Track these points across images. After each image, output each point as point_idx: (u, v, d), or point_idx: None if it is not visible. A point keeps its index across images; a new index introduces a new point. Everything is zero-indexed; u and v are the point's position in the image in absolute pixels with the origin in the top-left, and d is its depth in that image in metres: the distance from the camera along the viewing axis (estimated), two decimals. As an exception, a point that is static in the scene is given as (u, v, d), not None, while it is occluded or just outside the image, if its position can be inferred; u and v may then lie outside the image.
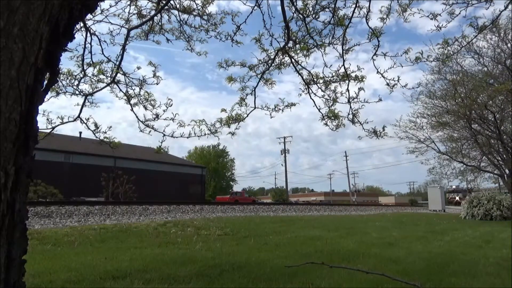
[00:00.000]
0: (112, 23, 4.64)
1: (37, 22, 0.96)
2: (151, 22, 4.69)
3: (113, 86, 4.74)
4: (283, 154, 52.90)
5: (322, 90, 5.03)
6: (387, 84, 4.59)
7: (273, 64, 4.89)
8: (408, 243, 7.86)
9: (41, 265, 4.46)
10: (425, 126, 21.91)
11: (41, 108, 1.15)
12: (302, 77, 5.02)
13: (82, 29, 4.31)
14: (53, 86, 1.83)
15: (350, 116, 4.86)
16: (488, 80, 17.45)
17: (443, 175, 25.41)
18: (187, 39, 4.98)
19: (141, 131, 4.82)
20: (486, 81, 17.18)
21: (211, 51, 5.26)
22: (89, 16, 4.03)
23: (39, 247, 5.94)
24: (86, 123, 4.54)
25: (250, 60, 4.96)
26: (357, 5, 4.30)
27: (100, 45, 4.71)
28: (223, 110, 4.59)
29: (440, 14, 3.98)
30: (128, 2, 4.64)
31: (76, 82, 4.65)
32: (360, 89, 4.73)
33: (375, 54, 4.53)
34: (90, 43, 4.52)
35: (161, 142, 4.70)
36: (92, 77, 4.69)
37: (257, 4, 4.29)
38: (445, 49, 4.47)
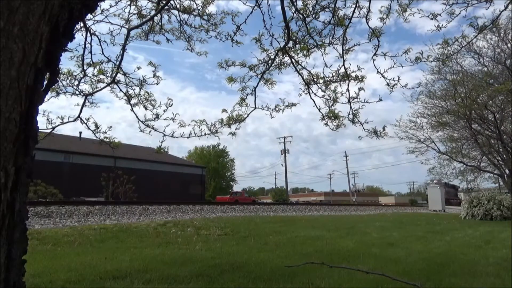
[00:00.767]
0: (112, 23, 4.64)
1: (37, 22, 0.96)
2: (151, 22, 4.69)
3: (113, 86, 4.74)
4: (283, 154, 52.91)
5: (322, 90, 5.03)
6: (387, 84, 4.59)
7: (273, 64, 4.89)
8: (408, 243, 7.86)
9: (41, 265, 4.46)
10: (425, 126, 21.94)
11: (41, 108, 1.15)
12: (302, 77, 5.02)
13: (82, 29, 4.31)
14: (53, 86, 1.83)
15: (350, 116, 4.86)
16: (488, 80, 17.44)
17: (443, 175, 25.42)
18: (187, 39, 4.98)
19: (141, 131, 4.82)
20: (486, 81, 17.17)
21: (210, 51, 5.26)
22: (89, 16, 4.03)
23: (39, 247, 5.94)
24: (86, 123, 4.54)
25: (250, 60, 4.97)
26: (357, 5, 4.30)
27: (100, 45, 4.71)
28: (224, 110, 4.60)
29: (440, 14, 3.98)
30: (128, 2, 4.64)
31: (76, 82, 4.65)
32: (360, 89, 4.73)
33: (375, 54, 4.53)
34: (90, 43, 4.52)
35: (161, 142, 4.70)
36: (92, 77, 4.69)
37: (257, 4, 4.29)
38: (445, 49, 4.48)
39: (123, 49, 4.55)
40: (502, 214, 17.11)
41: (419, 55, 4.27)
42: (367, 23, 4.38)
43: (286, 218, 13.53)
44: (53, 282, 3.73)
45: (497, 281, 4.41)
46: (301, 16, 4.44)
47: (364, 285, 3.91)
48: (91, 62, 4.61)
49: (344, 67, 4.74)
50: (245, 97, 4.75)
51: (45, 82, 1.09)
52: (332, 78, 4.90)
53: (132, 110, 4.84)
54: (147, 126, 4.72)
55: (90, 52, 4.56)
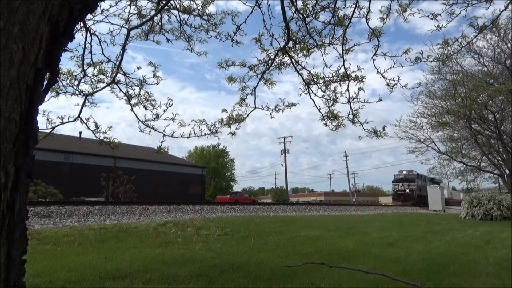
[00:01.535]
0: (112, 23, 4.64)
1: (37, 22, 0.96)
2: (151, 22, 4.69)
3: (113, 86, 4.74)
4: (283, 154, 52.90)
5: (322, 90, 5.03)
6: (387, 84, 4.59)
7: (273, 64, 4.89)
8: (408, 243, 7.86)
9: (41, 265, 4.46)
10: (425, 126, 21.95)
11: (41, 108, 1.15)
12: (302, 77, 5.02)
13: (82, 29, 4.31)
14: (53, 86, 1.83)
15: (350, 116, 4.86)
16: (488, 80, 17.45)
17: (443, 175, 25.45)
18: (187, 39, 4.98)
19: (141, 131, 4.82)
20: (486, 81, 17.17)
21: (210, 51, 5.26)
22: (89, 16, 4.03)
23: (39, 247, 5.94)
24: (86, 123, 4.54)
25: (250, 60, 4.96)
26: (357, 5, 4.30)
27: (100, 45, 4.71)
28: (224, 110, 4.59)
29: (440, 14, 3.98)
30: (128, 2, 4.63)
31: (76, 82, 4.64)
32: (360, 89, 4.73)
33: (375, 54, 4.53)
34: (90, 43, 4.52)
35: (161, 142, 4.70)
36: (92, 77, 4.69)
37: (257, 4, 4.29)
38: (445, 49, 4.48)
39: (123, 49, 4.55)
40: (502, 214, 17.12)
41: (419, 55, 4.27)
42: (367, 23, 4.39)
43: (286, 218, 13.53)
44: (53, 282, 3.73)
45: (497, 281, 4.41)
46: (301, 16, 4.43)
47: (364, 285, 3.91)
48: (91, 62, 4.61)
49: (344, 67, 4.74)
50: (245, 97, 4.75)
51: (45, 82, 1.09)
52: (332, 78, 4.90)
53: (132, 110, 4.84)
54: (147, 126, 4.72)
55: (90, 52, 4.56)
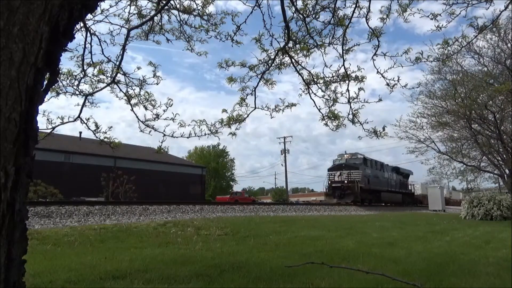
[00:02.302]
0: (112, 23, 4.64)
1: (37, 22, 0.96)
2: (151, 22, 4.69)
3: (113, 86, 4.74)
4: (283, 154, 52.88)
5: (322, 90, 5.03)
6: (387, 84, 4.59)
7: (273, 64, 4.89)
8: (408, 243, 7.86)
9: (41, 265, 4.46)
10: (425, 126, 21.97)
11: (41, 108, 1.15)
12: (302, 77, 5.02)
13: (82, 29, 4.31)
14: (53, 86, 1.83)
15: (350, 116, 4.86)
16: (488, 80, 17.45)
17: (443, 175, 25.46)
18: (187, 39, 4.98)
19: (141, 131, 4.82)
20: (486, 81, 17.18)
21: (209, 51, 5.26)
22: (89, 16, 4.03)
23: (39, 247, 5.94)
24: (86, 123, 4.54)
25: (250, 60, 4.97)
26: (357, 5, 4.30)
27: (100, 45, 4.71)
28: (224, 110, 4.59)
29: (440, 14, 3.98)
30: (128, 2, 4.64)
31: (76, 82, 4.64)
32: (360, 89, 4.73)
33: (375, 54, 4.53)
34: (90, 43, 4.52)
35: (161, 142, 4.71)
36: (92, 77, 4.69)
37: (257, 4, 4.29)
38: (445, 49, 4.48)
39: (123, 49, 4.55)
40: (502, 214, 17.13)
41: (419, 55, 4.27)
42: (367, 23, 4.39)
43: (286, 218, 13.53)
44: (53, 282, 3.73)
45: (497, 281, 4.41)
46: (301, 16, 4.44)
47: (364, 285, 3.91)
48: (91, 62, 4.61)
49: (344, 67, 4.74)
50: (245, 97, 4.75)
51: (45, 82, 1.09)
52: (332, 78, 4.90)
53: (132, 110, 4.85)
54: (147, 126, 4.72)
55: (90, 52, 4.57)
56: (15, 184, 0.92)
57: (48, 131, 4.35)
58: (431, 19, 4.02)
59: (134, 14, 4.70)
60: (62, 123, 4.42)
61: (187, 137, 4.41)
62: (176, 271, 4.36)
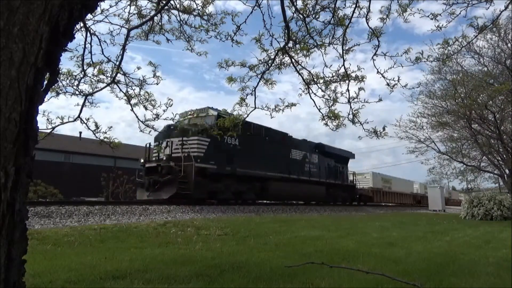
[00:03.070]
0: (112, 23, 4.64)
1: (37, 22, 0.96)
2: (151, 22, 4.69)
3: (113, 86, 4.74)
4: (283, 154, 52.65)
5: (322, 90, 5.03)
6: (387, 84, 4.59)
7: (273, 64, 4.89)
8: (408, 243, 7.86)
9: (41, 265, 4.46)
10: (425, 126, 21.99)
11: (41, 108, 1.15)
12: (302, 77, 5.02)
13: (82, 29, 4.31)
14: (53, 86, 1.83)
15: (350, 116, 4.86)
16: (488, 80, 17.46)
17: (443, 175, 25.48)
18: (187, 39, 4.98)
19: (141, 131, 4.83)
20: (486, 81, 17.19)
21: (208, 51, 5.26)
22: (89, 16, 4.03)
23: (39, 247, 5.94)
24: (86, 123, 4.55)
25: (250, 60, 4.97)
26: (357, 5, 4.30)
27: (100, 45, 4.72)
28: (224, 110, 4.59)
29: (440, 14, 3.98)
30: (128, 2, 4.64)
31: (76, 82, 4.65)
32: (360, 89, 4.73)
33: (375, 54, 4.53)
34: (90, 43, 4.52)
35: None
36: (92, 77, 4.69)
37: (257, 4, 4.29)
38: (445, 49, 4.48)
39: (123, 49, 4.55)
40: (502, 214, 17.13)
41: (419, 55, 4.27)
42: (367, 23, 4.39)
43: (286, 218, 13.53)
44: (53, 282, 3.73)
45: (498, 281, 4.41)
46: (301, 16, 4.44)
47: (364, 285, 3.91)
48: (91, 62, 4.61)
49: (344, 67, 4.74)
50: (245, 97, 4.75)
51: (45, 82, 1.09)
52: (332, 78, 4.90)
53: (132, 110, 4.85)
54: (147, 126, 4.72)
55: (90, 52, 4.57)
56: (15, 184, 0.92)
57: (48, 131, 4.35)
58: (431, 19, 4.02)
59: (134, 14, 4.71)
60: (62, 123, 4.43)
61: (187, 137, 4.40)
62: (176, 271, 4.36)
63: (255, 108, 4.79)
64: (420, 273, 4.62)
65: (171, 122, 5.09)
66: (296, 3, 4.32)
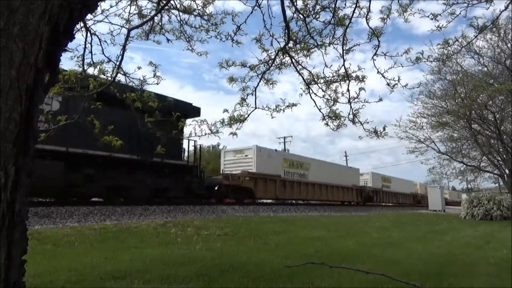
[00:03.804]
0: (112, 23, 4.63)
1: (37, 22, 0.95)
2: (151, 22, 4.69)
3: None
4: (283, 154, 52.67)
5: (322, 90, 5.03)
6: (388, 84, 4.59)
7: (273, 64, 4.89)
8: (408, 243, 7.86)
9: (41, 265, 4.46)
10: (425, 126, 21.99)
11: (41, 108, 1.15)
12: (302, 77, 5.02)
13: (82, 29, 4.30)
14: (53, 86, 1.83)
15: (351, 116, 4.86)
16: (488, 80, 17.47)
17: (443, 175, 25.51)
18: (187, 39, 4.98)
19: (140, 129, 4.81)
20: (486, 81, 17.19)
21: (208, 51, 5.25)
22: (89, 16, 4.03)
23: (39, 247, 5.94)
24: (86, 123, 4.54)
25: (250, 60, 4.97)
26: (357, 5, 4.30)
27: (101, 45, 4.70)
28: (225, 110, 4.59)
29: (440, 15, 3.98)
30: (128, 2, 4.63)
31: (76, 82, 4.63)
32: (360, 89, 4.73)
33: (375, 54, 4.53)
34: (91, 43, 4.51)
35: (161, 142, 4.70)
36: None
37: (257, 4, 4.29)
38: (445, 49, 4.47)
39: (123, 49, 4.54)
40: (502, 214, 17.14)
41: (419, 55, 4.27)
42: (367, 23, 4.38)
43: (286, 218, 13.53)
44: (53, 282, 3.73)
45: (498, 281, 4.41)
46: (301, 16, 4.44)
47: (364, 285, 3.91)
48: (91, 62, 4.61)
49: (344, 67, 4.73)
50: (245, 97, 4.74)
51: (45, 82, 1.09)
52: (332, 78, 4.90)
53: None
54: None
55: (90, 52, 4.55)
56: (15, 184, 0.92)
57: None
58: (431, 19, 4.02)
59: (134, 14, 4.70)
60: (62, 123, 4.43)
61: (187, 137, 4.40)
62: (176, 271, 4.36)
63: (256, 108, 4.79)
64: (420, 273, 4.62)
65: None
66: (296, 3, 4.32)
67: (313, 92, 5.01)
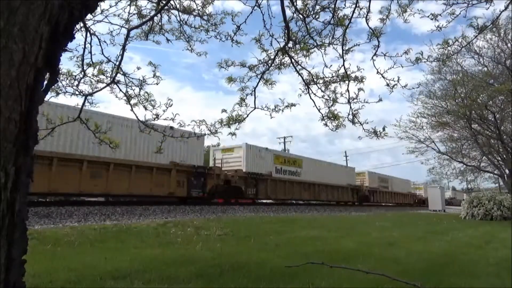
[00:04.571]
0: (112, 23, 4.64)
1: (37, 22, 0.96)
2: (151, 22, 4.69)
3: (113, 86, 4.73)
4: (283, 154, 52.60)
5: (322, 91, 5.03)
6: (387, 85, 4.59)
7: (273, 64, 4.89)
8: (408, 243, 7.86)
9: (41, 265, 4.46)
10: (425, 126, 22.00)
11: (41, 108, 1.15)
12: (302, 78, 5.02)
13: (82, 29, 4.30)
14: (53, 86, 1.83)
15: (350, 117, 4.86)
16: (488, 80, 17.47)
17: (443, 175, 25.51)
18: (187, 39, 4.98)
19: (141, 131, 4.82)
20: (486, 81, 17.19)
21: (207, 51, 5.25)
22: (89, 16, 4.03)
23: (39, 247, 5.94)
24: (86, 123, 4.54)
25: (249, 60, 4.96)
26: (357, 5, 4.30)
27: (100, 45, 4.70)
28: (224, 110, 4.59)
29: (440, 15, 3.98)
30: (128, 2, 4.63)
31: (76, 82, 4.64)
32: (360, 89, 4.73)
33: (375, 54, 4.53)
34: (90, 43, 4.51)
35: (161, 142, 4.70)
36: (92, 77, 4.68)
37: (257, 4, 4.29)
38: (445, 49, 4.47)
39: (123, 49, 4.54)
40: (502, 214, 17.14)
41: (419, 55, 4.26)
42: (367, 23, 4.38)
43: (286, 218, 13.53)
44: (53, 282, 3.73)
45: (498, 281, 4.41)
46: (301, 16, 4.43)
47: (364, 285, 3.91)
48: (91, 62, 4.61)
49: (344, 68, 4.73)
50: (244, 97, 4.74)
51: (45, 82, 1.09)
52: (332, 79, 4.90)
53: (132, 110, 4.84)
54: (147, 126, 4.72)
55: (90, 52, 4.56)
56: (15, 184, 0.92)
57: (48, 131, 4.35)
58: (431, 19, 4.02)
59: (134, 14, 4.70)
60: (62, 123, 4.43)
61: (187, 138, 4.41)
62: (176, 271, 4.36)
63: (255, 108, 4.79)
64: (420, 273, 4.62)
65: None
66: (296, 3, 4.32)
67: (312, 92, 5.01)
